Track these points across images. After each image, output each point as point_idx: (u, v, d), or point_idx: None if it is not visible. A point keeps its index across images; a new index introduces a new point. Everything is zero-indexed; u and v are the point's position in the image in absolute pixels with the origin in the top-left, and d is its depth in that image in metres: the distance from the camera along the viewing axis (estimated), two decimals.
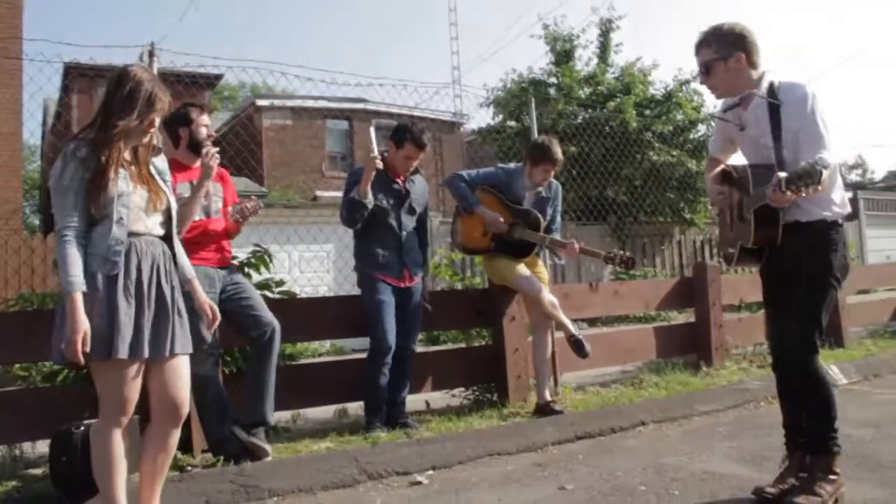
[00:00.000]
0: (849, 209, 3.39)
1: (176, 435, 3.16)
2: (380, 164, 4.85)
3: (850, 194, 3.45)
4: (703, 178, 3.74)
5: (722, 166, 3.64)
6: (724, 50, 3.32)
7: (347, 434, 4.84)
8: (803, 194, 2.91)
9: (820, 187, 2.87)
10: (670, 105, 17.93)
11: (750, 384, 6.12)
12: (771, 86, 3.31)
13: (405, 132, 5.12)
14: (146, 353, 2.96)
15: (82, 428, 3.54)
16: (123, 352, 2.89)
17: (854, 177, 46.77)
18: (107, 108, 3.00)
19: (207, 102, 19.03)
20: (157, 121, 3.11)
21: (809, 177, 2.86)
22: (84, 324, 2.81)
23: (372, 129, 5.01)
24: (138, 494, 3.08)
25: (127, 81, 3.02)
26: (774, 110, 3.26)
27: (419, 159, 5.19)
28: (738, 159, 3.66)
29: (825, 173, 2.90)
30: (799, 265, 3.28)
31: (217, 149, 4.20)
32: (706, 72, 3.39)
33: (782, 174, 2.94)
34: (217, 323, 3.40)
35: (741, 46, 3.32)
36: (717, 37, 3.36)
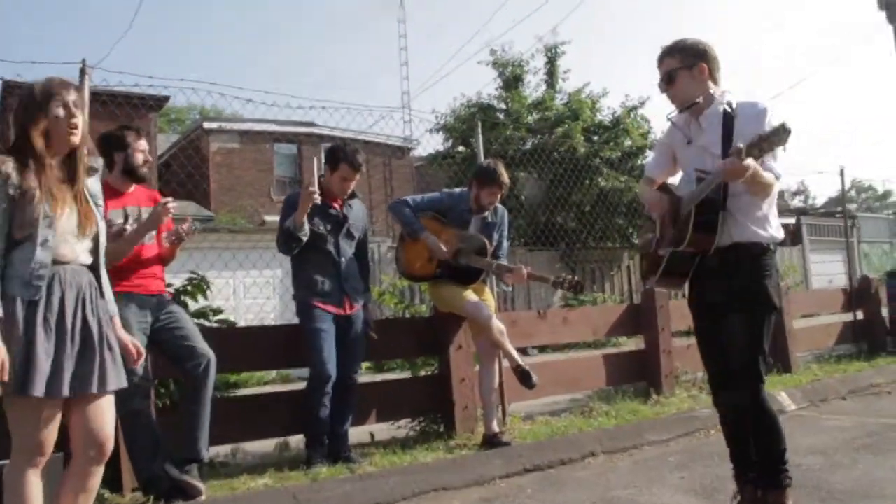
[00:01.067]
0: (782, 234, 3.35)
1: (99, 474, 2.96)
2: (317, 199, 4.71)
3: (793, 220, 3.39)
4: None
5: (659, 183, 3.60)
6: (689, 60, 3.31)
7: (287, 469, 4.65)
8: (767, 160, 2.93)
9: (783, 149, 2.85)
10: (618, 131, 18.14)
11: (700, 412, 6.06)
12: (730, 103, 3.28)
13: (338, 153, 5.00)
14: (65, 392, 2.76)
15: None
16: (39, 389, 2.69)
17: (797, 202, 47.87)
18: (18, 122, 2.85)
19: (153, 125, 18.83)
20: (75, 115, 2.91)
21: (776, 135, 2.83)
22: (2, 350, 2.61)
23: (315, 160, 4.85)
24: None
25: (25, 90, 2.91)
26: (728, 121, 3.23)
27: (355, 181, 5.04)
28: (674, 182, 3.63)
29: (789, 135, 2.84)
30: (735, 291, 3.21)
31: (175, 203, 4.06)
32: (669, 81, 3.36)
33: (740, 143, 2.90)
34: (141, 360, 3.19)
35: (705, 58, 3.32)
36: (681, 48, 3.35)
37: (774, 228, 3.27)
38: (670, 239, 3.33)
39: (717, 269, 3.23)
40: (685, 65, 3.31)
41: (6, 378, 2.61)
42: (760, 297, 3.21)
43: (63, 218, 2.83)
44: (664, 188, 3.55)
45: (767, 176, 3.04)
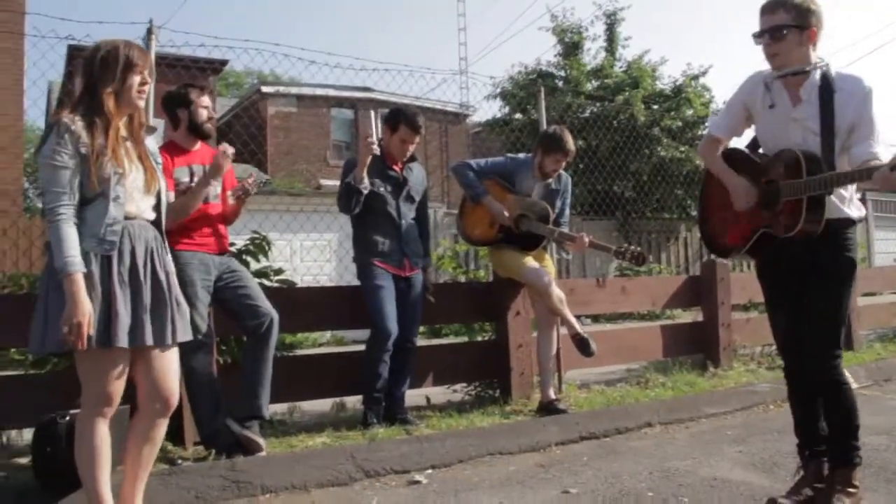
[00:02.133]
0: (864, 212, 3.26)
1: (163, 427, 3.04)
2: (377, 150, 4.71)
3: (859, 195, 3.26)
4: None
5: (723, 148, 3.44)
6: (803, 19, 3.07)
7: (345, 429, 4.70)
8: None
9: None
10: (679, 100, 17.77)
11: (758, 386, 5.97)
12: (827, 72, 3.11)
13: (399, 115, 5.00)
14: (149, 341, 2.84)
15: (67, 418, 3.40)
16: (122, 340, 2.76)
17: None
18: (89, 81, 2.88)
19: (210, 85, 18.96)
20: (147, 82, 2.97)
21: None
22: (88, 306, 2.68)
23: (372, 114, 4.83)
24: (120, 488, 2.94)
25: (99, 52, 2.91)
26: (828, 96, 3.06)
27: (415, 143, 5.03)
28: (737, 143, 3.49)
29: None
30: (819, 264, 3.11)
31: (232, 149, 4.06)
32: (777, 36, 3.09)
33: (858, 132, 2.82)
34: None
35: (817, 23, 3.10)
36: (796, 4, 3.08)
37: (856, 207, 3.19)
38: (766, 220, 3.21)
39: (797, 241, 3.11)
40: (798, 24, 3.07)
41: (92, 332, 2.67)
42: (844, 269, 3.13)
43: (131, 175, 2.88)
44: (738, 156, 3.40)
45: None
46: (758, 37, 3.17)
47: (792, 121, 3.15)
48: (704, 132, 17.23)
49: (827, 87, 3.07)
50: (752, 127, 3.40)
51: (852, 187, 3.15)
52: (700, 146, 3.61)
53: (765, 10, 3.14)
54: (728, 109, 3.51)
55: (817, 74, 3.10)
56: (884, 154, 2.94)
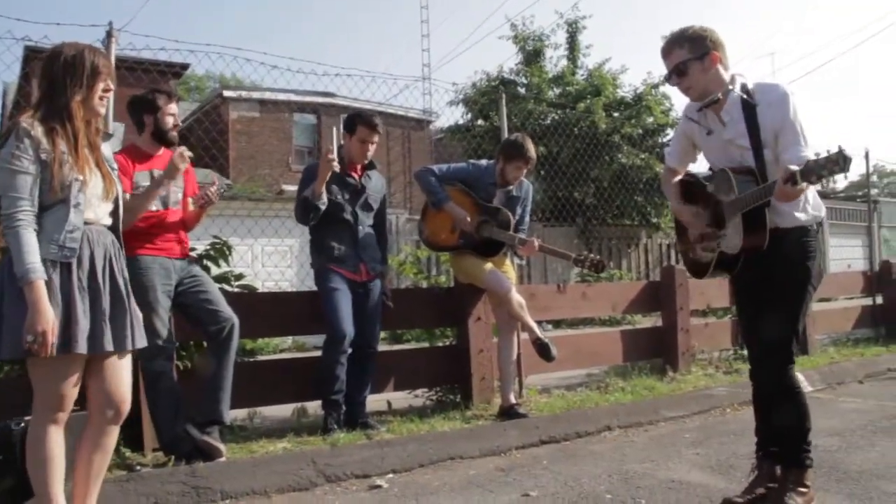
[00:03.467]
0: (823, 212, 3.32)
1: (115, 434, 3.01)
2: (336, 167, 4.72)
3: (817, 188, 3.33)
4: None
5: (680, 177, 3.58)
6: (698, 49, 3.20)
7: (306, 434, 4.69)
8: (816, 186, 2.85)
9: (844, 177, 2.79)
10: (640, 108, 17.98)
11: (716, 390, 6.07)
12: (745, 87, 3.21)
13: (354, 117, 5.06)
14: (108, 347, 2.82)
15: (22, 424, 3.34)
16: (82, 346, 2.74)
17: (818, 186, 47.28)
18: (51, 85, 2.84)
19: (177, 93, 18.67)
20: (110, 88, 2.95)
21: (834, 163, 2.72)
22: (51, 313, 2.65)
23: (334, 130, 4.84)
24: (72, 496, 2.91)
25: (61, 55, 2.86)
26: (750, 111, 3.16)
27: (374, 143, 5.04)
28: (695, 169, 3.60)
29: (850, 160, 2.74)
30: (777, 272, 3.19)
31: (190, 153, 4.04)
32: (680, 73, 3.24)
33: (793, 166, 2.83)
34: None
35: (713, 46, 3.22)
36: (688, 38, 3.23)
37: (814, 207, 3.24)
38: (713, 245, 3.31)
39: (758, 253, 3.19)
40: (695, 55, 3.20)
41: (55, 339, 2.65)
42: (799, 279, 3.19)
43: (91, 182, 2.86)
44: (686, 186, 3.53)
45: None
46: (666, 80, 3.35)
47: (727, 142, 3.26)
48: (664, 139, 17.53)
49: (747, 102, 3.17)
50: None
51: (807, 190, 3.23)
52: (661, 177, 3.73)
53: (664, 54, 3.31)
54: (675, 141, 3.68)
55: (736, 93, 3.20)
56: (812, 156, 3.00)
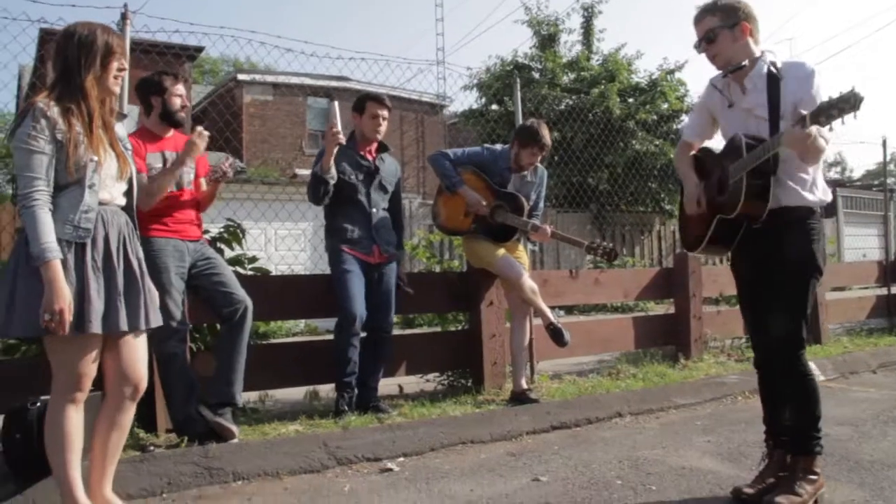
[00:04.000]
0: (830, 197, 3.30)
1: (131, 412, 3.04)
2: (342, 140, 4.72)
3: (815, 168, 3.30)
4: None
5: (694, 152, 3.56)
6: (730, 18, 3.23)
7: (318, 417, 4.71)
8: (828, 130, 2.83)
9: (854, 117, 2.71)
10: (654, 94, 17.88)
11: (728, 378, 6.06)
12: (773, 63, 3.21)
13: (362, 97, 5.10)
14: (123, 327, 2.84)
15: (38, 404, 3.38)
16: (97, 326, 2.76)
17: (833, 174, 47.02)
18: (66, 65, 2.85)
19: (185, 73, 18.75)
20: (124, 68, 2.97)
21: (846, 101, 2.70)
22: (68, 292, 2.67)
23: (335, 104, 4.82)
24: (88, 474, 2.94)
25: (75, 35, 2.87)
26: (774, 83, 3.16)
27: (386, 118, 5.05)
28: (712, 146, 3.57)
29: (862, 99, 2.71)
30: (780, 255, 3.18)
31: (208, 133, 4.06)
32: (710, 41, 3.27)
33: (804, 110, 2.83)
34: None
35: (745, 17, 3.24)
36: (720, 7, 3.27)
37: (821, 191, 3.23)
38: (719, 206, 3.29)
39: (764, 232, 3.19)
40: (726, 24, 3.23)
41: (70, 319, 2.67)
42: (807, 262, 3.18)
43: (106, 162, 2.87)
44: (705, 154, 3.51)
45: (821, 142, 2.96)
46: (696, 46, 3.35)
47: (746, 113, 3.26)
48: (679, 126, 17.42)
49: (773, 75, 3.17)
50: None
51: (814, 171, 3.21)
52: (675, 151, 3.70)
53: (696, 21, 3.33)
54: (694, 114, 3.70)
55: (764, 67, 3.21)
56: (828, 132, 2.97)
